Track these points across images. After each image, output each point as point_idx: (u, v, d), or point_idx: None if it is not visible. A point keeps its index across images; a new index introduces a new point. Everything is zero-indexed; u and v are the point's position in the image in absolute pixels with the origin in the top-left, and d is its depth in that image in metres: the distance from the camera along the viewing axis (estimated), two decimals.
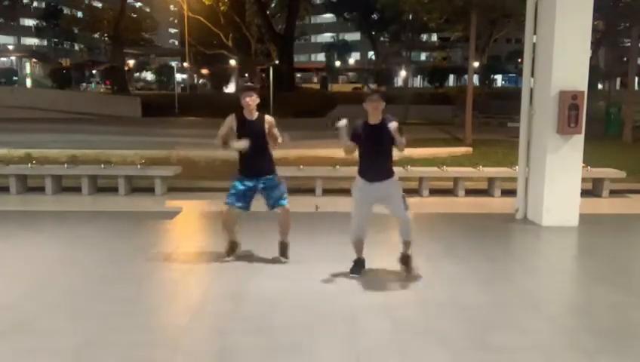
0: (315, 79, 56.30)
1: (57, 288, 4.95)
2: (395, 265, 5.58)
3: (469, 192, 9.44)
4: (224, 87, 45.04)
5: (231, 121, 5.43)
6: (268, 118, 5.50)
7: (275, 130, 5.50)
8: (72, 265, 5.61)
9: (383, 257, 5.86)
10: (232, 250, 5.69)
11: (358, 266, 5.34)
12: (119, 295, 4.79)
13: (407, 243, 5.30)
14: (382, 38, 54.58)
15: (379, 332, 4.09)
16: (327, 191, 9.05)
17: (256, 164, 5.41)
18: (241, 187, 5.43)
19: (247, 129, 5.38)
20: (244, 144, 5.30)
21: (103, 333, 4.05)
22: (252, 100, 5.36)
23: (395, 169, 8.90)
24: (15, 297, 4.73)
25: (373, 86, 38.36)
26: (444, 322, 4.28)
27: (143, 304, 4.64)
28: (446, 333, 4.08)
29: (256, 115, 5.44)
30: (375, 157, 5.08)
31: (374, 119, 5.04)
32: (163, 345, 3.91)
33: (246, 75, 44.57)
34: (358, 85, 49.72)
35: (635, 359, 3.79)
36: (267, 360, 3.71)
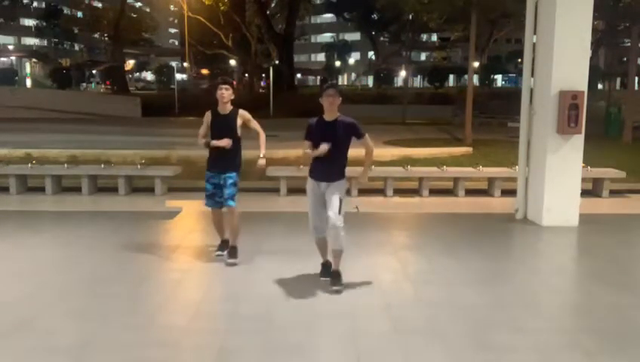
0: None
1: (57, 288, 4.95)
2: (395, 265, 5.59)
3: (469, 192, 9.44)
4: None
5: (207, 117, 5.61)
6: (242, 112, 5.57)
7: (254, 124, 5.60)
8: (72, 265, 5.61)
9: (382, 257, 5.86)
10: (225, 246, 5.83)
11: (327, 269, 5.09)
12: (119, 295, 4.79)
13: (337, 254, 4.90)
14: (382, 38, 54.60)
15: (379, 332, 4.09)
16: None
17: (222, 158, 5.49)
18: (210, 187, 5.62)
19: (219, 122, 5.52)
20: (226, 142, 5.42)
21: (103, 333, 4.05)
22: (226, 93, 5.46)
23: (395, 169, 8.86)
24: (15, 297, 4.73)
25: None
26: (444, 322, 4.28)
27: (143, 304, 4.64)
28: (446, 333, 4.08)
29: (229, 109, 5.54)
30: (327, 156, 4.79)
31: (330, 115, 4.85)
32: (163, 345, 3.91)
33: (246, 75, 44.60)
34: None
35: (635, 359, 3.79)
36: (267, 360, 3.71)
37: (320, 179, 4.91)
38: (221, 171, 5.54)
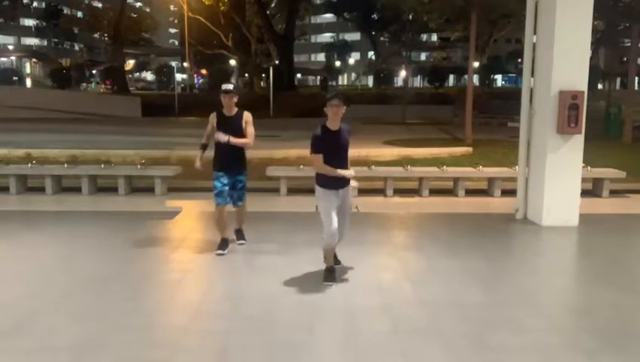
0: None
1: (57, 288, 4.95)
2: (395, 265, 5.59)
3: (469, 192, 9.44)
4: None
5: (213, 117, 5.83)
6: (246, 114, 5.83)
7: (250, 128, 5.78)
8: (71, 265, 5.61)
9: (382, 257, 5.87)
10: (225, 245, 5.94)
11: (332, 273, 5.12)
12: (119, 295, 4.79)
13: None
14: (382, 38, 54.56)
15: (379, 332, 4.09)
16: None
17: (231, 158, 5.75)
18: (219, 185, 5.78)
19: (225, 123, 5.73)
20: (223, 137, 5.62)
21: (103, 333, 4.05)
22: (229, 99, 5.71)
23: (395, 169, 8.91)
24: (15, 297, 4.73)
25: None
26: (444, 322, 4.28)
27: (143, 304, 4.64)
28: (446, 333, 4.08)
29: (234, 110, 5.77)
30: (336, 165, 4.86)
31: (334, 125, 4.86)
32: (163, 345, 3.91)
33: (246, 75, 44.60)
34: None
35: (635, 359, 3.79)
36: (267, 359, 3.71)
37: (335, 187, 4.95)
38: (234, 173, 5.80)
